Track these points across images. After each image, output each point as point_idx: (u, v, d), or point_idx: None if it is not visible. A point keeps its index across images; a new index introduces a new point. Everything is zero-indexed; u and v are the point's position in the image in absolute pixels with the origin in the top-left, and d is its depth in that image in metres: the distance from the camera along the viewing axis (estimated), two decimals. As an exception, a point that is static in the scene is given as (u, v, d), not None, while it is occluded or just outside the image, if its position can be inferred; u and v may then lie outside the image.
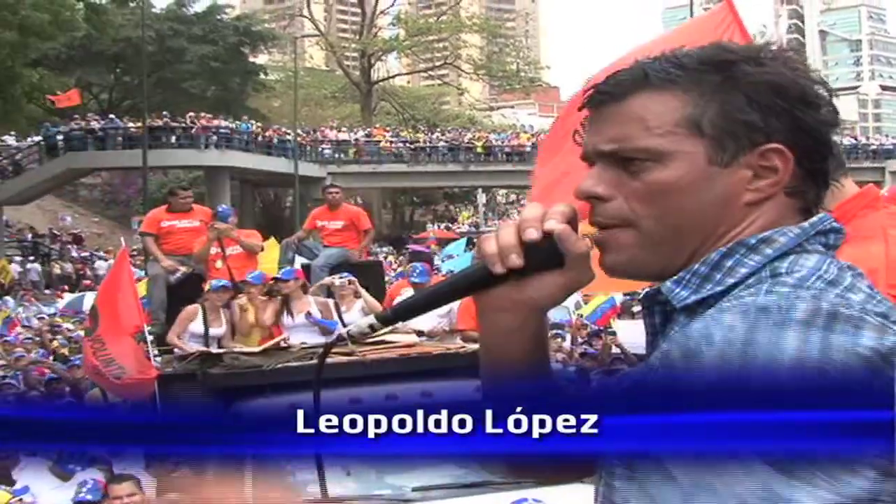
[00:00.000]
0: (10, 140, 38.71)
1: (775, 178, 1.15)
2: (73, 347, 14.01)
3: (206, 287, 8.70)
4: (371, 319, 1.25)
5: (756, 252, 1.13)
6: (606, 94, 1.19)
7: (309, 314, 8.37)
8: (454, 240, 38.09)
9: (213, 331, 8.41)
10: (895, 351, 1.00)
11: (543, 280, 1.21)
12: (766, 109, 1.14)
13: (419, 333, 7.86)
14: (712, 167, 1.14)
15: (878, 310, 1.05)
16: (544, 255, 1.19)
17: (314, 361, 7.00)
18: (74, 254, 37.62)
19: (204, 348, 7.79)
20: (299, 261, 11.03)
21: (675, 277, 1.16)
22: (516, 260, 1.18)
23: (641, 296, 1.25)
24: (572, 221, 1.20)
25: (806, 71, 1.19)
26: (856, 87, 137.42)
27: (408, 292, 9.29)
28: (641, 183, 1.16)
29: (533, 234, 1.18)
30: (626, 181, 1.17)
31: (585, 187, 1.20)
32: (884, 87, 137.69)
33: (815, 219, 1.17)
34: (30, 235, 39.34)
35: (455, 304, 8.47)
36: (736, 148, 1.14)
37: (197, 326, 8.39)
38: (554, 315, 12.26)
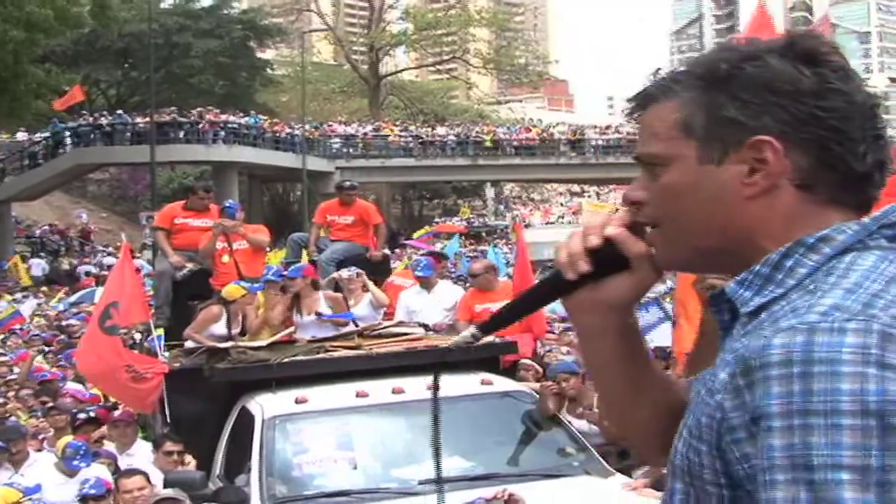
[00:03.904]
0: (21, 136, 38.78)
1: (767, 169, 1.16)
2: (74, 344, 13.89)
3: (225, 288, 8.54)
4: (473, 329, 1.41)
5: (815, 251, 1.13)
6: (635, 107, 1.29)
7: (319, 314, 8.16)
8: (454, 232, 38.04)
9: (234, 331, 8.33)
10: None
11: (615, 282, 1.32)
12: (753, 105, 1.16)
13: (425, 327, 7.84)
14: (705, 166, 1.18)
15: None
16: (609, 259, 1.30)
17: (321, 356, 6.98)
18: (89, 250, 37.66)
19: (212, 343, 7.72)
20: (306, 255, 11.01)
21: (739, 278, 1.18)
22: (584, 266, 1.31)
23: (711, 297, 1.29)
24: (634, 225, 1.29)
25: (814, 58, 1.18)
26: (864, 80, 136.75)
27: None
28: (658, 186, 1.24)
29: (594, 241, 1.30)
30: (651, 185, 1.25)
31: (627, 192, 1.31)
32: (892, 80, 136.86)
33: (878, 213, 1.16)
34: (37, 231, 39.41)
35: (458, 299, 8.46)
36: (724, 145, 1.17)
37: (220, 328, 8.24)
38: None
